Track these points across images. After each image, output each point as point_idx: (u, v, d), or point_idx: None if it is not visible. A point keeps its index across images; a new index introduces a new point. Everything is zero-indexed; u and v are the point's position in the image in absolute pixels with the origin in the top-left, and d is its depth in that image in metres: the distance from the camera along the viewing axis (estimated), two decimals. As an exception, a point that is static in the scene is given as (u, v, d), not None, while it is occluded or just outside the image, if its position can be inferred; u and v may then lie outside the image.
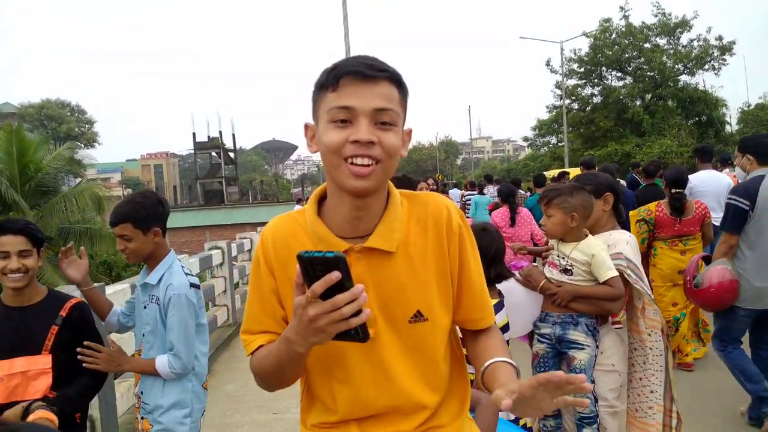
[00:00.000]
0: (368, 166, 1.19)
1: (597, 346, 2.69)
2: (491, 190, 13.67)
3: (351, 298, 1.04)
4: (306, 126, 1.33)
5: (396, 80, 1.24)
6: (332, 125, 1.21)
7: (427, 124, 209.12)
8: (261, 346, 1.32)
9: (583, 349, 2.64)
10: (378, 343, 1.28)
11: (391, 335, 1.29)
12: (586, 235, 2.71)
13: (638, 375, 2.82)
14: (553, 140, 34.08)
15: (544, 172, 15.82)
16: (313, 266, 1.04)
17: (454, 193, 15.75)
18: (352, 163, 1.19)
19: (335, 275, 1.02)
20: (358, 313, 1.05)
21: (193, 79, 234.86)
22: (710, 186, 6.23)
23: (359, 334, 1.09)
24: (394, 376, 1.31)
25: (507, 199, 6.67)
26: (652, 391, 2.77)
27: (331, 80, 1.21)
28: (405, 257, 1.30)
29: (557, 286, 2.71)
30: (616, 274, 2.61)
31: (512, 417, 2.43)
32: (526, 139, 37.71)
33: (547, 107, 33.12)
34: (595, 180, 2.90)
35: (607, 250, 2.68)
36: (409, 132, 1.33)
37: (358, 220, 1.29)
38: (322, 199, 1.36)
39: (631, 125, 28.27)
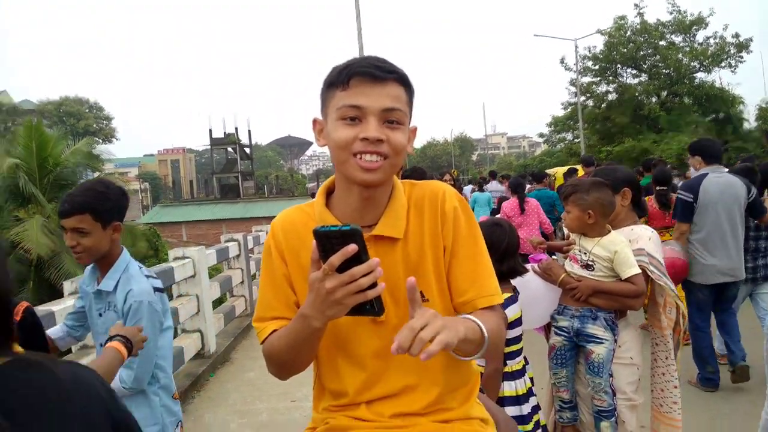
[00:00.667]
0: (377, 161, 1.27)
1: (615, 341, 2.66)
2: (495, 186, 13.49)
3: (368, 270, 1.08)
4: (314, 121, 1.40)
5: (403, 81, 1.31)
6: (342, 122, 1.28)
7: (441, 120, 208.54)
8: (274, 331, 1.36)
9: (602, 343, 2.60)
10: (388, 325, 1.34)
11: (400, 317, 1.34)
12: (609, 231, 2.67)
13: (661, 370, 2.82)
14: (569, 136, 33.87)
15: (557, 168, 15.74)
16: (329, 240, 1.07)
17: (468, 189, 15.72)
18: (361, 158, 1.26)
19: (352, 247, 1.06)
20: (373, 286, 1.09)
21: (210, 77, 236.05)
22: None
23: (374, 308, 1.12)
24: (404, 358, 1.32)
25: (516, 191, 7.33)
26: (675, 387, 2.78)
27: (342, 79, 1.28)
28: (408, 241, 1.37)
29: (577, 280, 2.67)
30: (639, 271, 2.59)
31: (526, 412, 2.46)
32: (541, 135, 37.52)
33: (562, 104, 32.95)
34: (613, 175, 2.86)
35: (630, 246, 2.65)
36: (414, 129, 1.40)
37: (365, 210, 1.36)
38: (330, 192, 1.43)
39: (647, 122, 28.02)
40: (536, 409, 2.54)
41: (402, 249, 1.36)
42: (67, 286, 4.35)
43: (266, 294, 1.41)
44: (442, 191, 1.41)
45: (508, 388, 2.46)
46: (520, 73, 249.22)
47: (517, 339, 2.51)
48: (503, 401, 2.41)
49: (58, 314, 3.53)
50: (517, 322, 2.49)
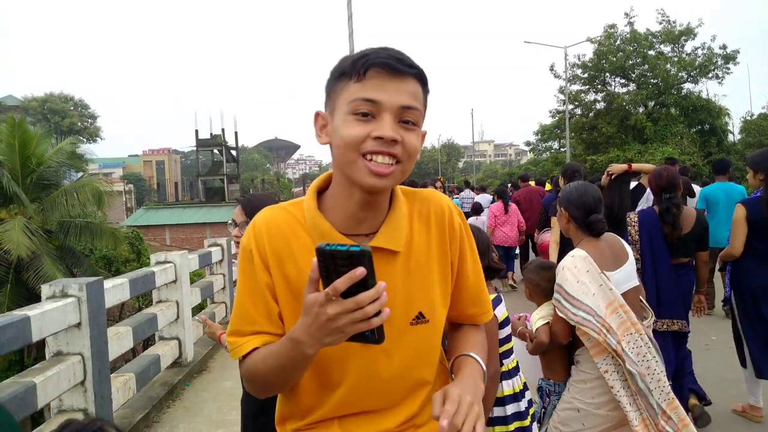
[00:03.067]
0: (389, 165, 1.13)
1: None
2: (467, 194, 14.67)
3: (375, 297, 0.97)
4: (317, 114, 1.24)
5: (422, 79, 1.19)
6: (353, 117, 1.13)
7: (429, 126, 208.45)
8: (255, 349, 1.22)
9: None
10: (381, 347, 1.21)
11: (390, 338, 1.22)
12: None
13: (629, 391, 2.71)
14: (556, 145, 34.06)
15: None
16: (334, 260, 0.96)
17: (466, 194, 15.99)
18: (371, 160, 1.12)
19: (360, 271, 0.95)
20: (378, 313, 0.99)
21: (197, 77, 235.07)
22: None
23: (375, 336, 1.02)
24: (388, 377, 1.26)
25: (501, 196, 9.91)
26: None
27: (357, 70, 1.13)
28: (408, 257, 1.25)
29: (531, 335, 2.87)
30: (540, 324, 2.82)
31: (523, 408, 2.46)
32: (528, 143, 37.69)
33: (550, 112, 33.08)
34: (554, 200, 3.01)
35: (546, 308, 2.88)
36: (425, 134, 1.27)
37: (364, 217, 1.23)
38: (320, 191, 1.29)
39: (633, 132, 28.24)
40: (530, 403, 2.57)
41: (402, 263, 1.25)
42: (45, 289, 4.21)
43: (245, 305, 1.24)
44: (447, 206, 1.33)
45: (507, 387, 2.47)
46: (510, 80, 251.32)
47: (508, 338, 2.50)
48: (504, 400, 2.43)
49: (34, 319, 3.42)
50: (506, 322, 2.49)
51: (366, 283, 0.96)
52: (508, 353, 2.52)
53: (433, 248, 1.29)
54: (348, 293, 0.96)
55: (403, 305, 1.24)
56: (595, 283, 2.66)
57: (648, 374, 2.66)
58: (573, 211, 2.85)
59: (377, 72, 1.13)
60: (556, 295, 2.71)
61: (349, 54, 1.20)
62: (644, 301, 2.98)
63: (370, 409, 1.28)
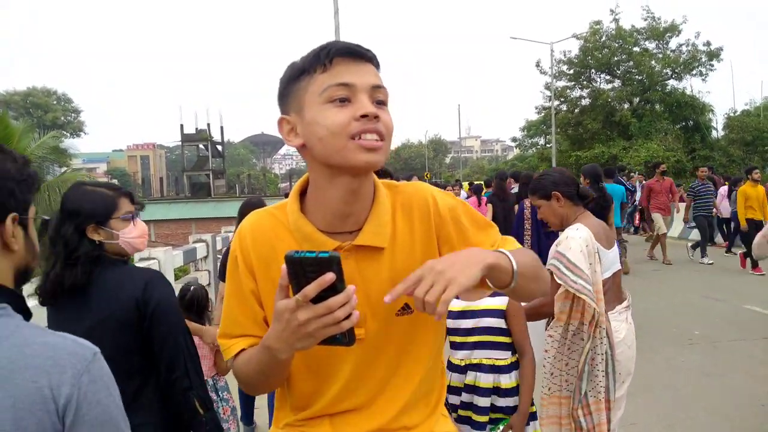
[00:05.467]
0: (377, 141, 1.14)
1: None
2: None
3: (344, 301, 0.99)
4: (281, 120, 1.23)
5: (378, 67, 1.22)
6: (331, 105, 1.14)
7: (416, 121, 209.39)
8: (242, 350, 1.26)
9: None
10: (365, 341, 1.24)
11: (378, 331, 1.26)
12: None
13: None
14: (542, 141, 34.25)
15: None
16: (303, 267, 0.97)
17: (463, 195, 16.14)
18: (361, 139, 1.13)
19: (329, 277, 0.96)
20: (348, 316, 1.00)
21: (182, 71, 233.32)
22: None
23: (346, 338, 1.04)
24: (377, 371, 1.28)
25: (476, 193, 10.79)
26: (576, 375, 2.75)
27: (322, 61, 1.15)
28: (393, 250, 1.25)
29: None
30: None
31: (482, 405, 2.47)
32: (514, 139, 37.95)
33: (536, 108, 33.27)
34: (540, 184, 3.01)
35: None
36: None
37: (348, 214, 1.23)
38: (303, 193, 1.30)
39: (618, 128, 28.45)
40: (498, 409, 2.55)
41: (388, 259, 1.25)
42: (26, 287, 4.16)
43: (232, 309, 1.29)
44: (431, 194, 1.32)
45: (506, 381, 2.48)
46: (496, 76, 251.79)
47: (472, 331, 2.52)
48: (510, 392, 2.46)
49: None
50: (494, 313, 2.50)
51: (335, 287, 0.98)
52: (510, 345, 2.54)
53: (417, 240, 1.28)
54: (318, 298, 0.98)
55: None
56: (590, 259, 2.70)
57: (593, 364, 2.70)
58: (564, 189, 2.93)
59: (342, 60, 1.15)
60: (553, 261, 2.70)
61: (305, 54, 1.20)
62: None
63: (360, 405, 1.29)
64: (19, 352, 0.99)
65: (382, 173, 4.15)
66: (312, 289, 0.97)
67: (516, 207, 7.10)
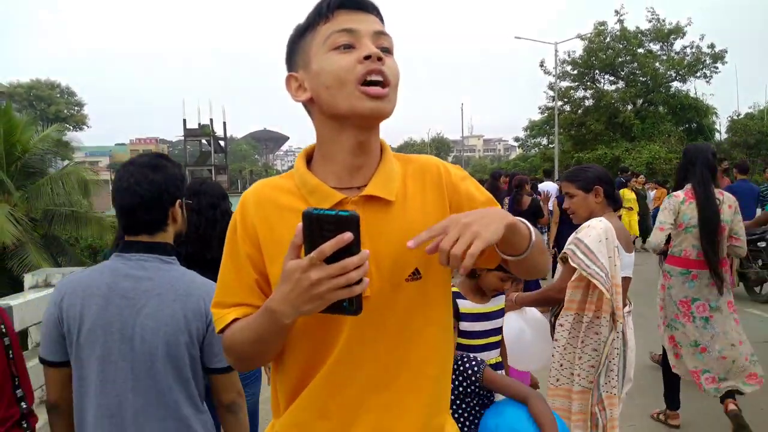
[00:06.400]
0: (383, 86, 1.13)
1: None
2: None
3: (359, 263, 0.95)
4: (288, 77, 1.23)
5: (382, 17, 1.22)
6: (335, 52, 1.14)
7: (419, 121, 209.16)
8: (235, 320, 1.19)
9: None
10: (373, 305, 1.15)
11: (383, 292, 1.17)
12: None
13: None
14: (544, 141, 34.20)
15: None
16: (320, 225, 0.94)
17: None
18: (366, 84, 1.12)
19: (348, 236, 0.92)
20: (359, 280, 0.96)
21: (185, 66, 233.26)
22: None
23: (353, 306, 0.99)
24: (378, 343, 1.18)
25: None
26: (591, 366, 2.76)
27: (324, 13, 1.16)
28: (404, 209, 1.21)
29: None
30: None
31: None
32: (517, 139, 37.91)
33: (540, 108, 33.21)
34: (583, 175, 2.99)
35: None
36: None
37: (356, 167, 1.21)
38: (310, 159, 1.28)
39: (621, 130, 28.40)
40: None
41: (398, 216, 1.20)
42: (28, 279, 4.13)
43: (227, 276, 1.23)
44: (442, 164, 1.30)
45: None
46: (500, 75, 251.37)
47: (498, 331, 2.53)
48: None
49: (16, 309, 3.39)
50: (501, 313, 2.54)
51: (350, 249, 0.94)
52: (495, 345, 2.56)
53: (429, 202, 1.24)
54: (330, 260, 0.94)
55: (399, 259, 1.19)
56: (607, 253, 2.70)
57: (610, 358, 2.71)
58: (605, 186, 2.96)
59: (344, 11, 1.16)
60: (570, 246, 2.71)
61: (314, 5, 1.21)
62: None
63: (364, 385, 1.18)
64: (191, 282, 1.71)
65: None
66: (330, 246, 0.93)
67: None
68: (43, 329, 1.74)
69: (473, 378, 2.13)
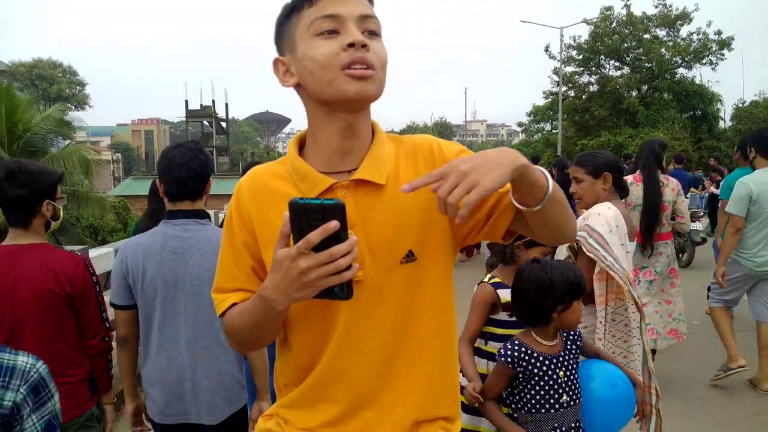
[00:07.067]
0: (368, 70, 1.11)
1: None
2: None
3: (347, 250, 0.97)
4: (275, 61, 1.22)
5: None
6: (319, 38, 1.12)
7: (422, 104, 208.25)
8: (234, 305, 1.23)
9: None
10: (363, 285, 1.16)
11: (377, 276, 1.18)
12: None
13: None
14: (548, 127, 34.02)
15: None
16: (306, 214, 0.96)
17: None
18: (350, 69, 1.10)
19: (334, 224, 0.95)
20: (349, 267, 0.98)
21: (188, 47, 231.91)
22: None
23: (344, 291, 1.02)
24: (377, 328, 1.19)
25: None
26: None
27: None
28: (396, 192, 1.18)
29: None
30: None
31: None
32: (520, 124, 37.57)
33: (544, 93, 32.95)
34: (593, 160, 2.98)
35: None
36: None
37: (346, 150, 1.20)
38: (302, 146, 1.28)
39: (625, 116, 28.24)
40: None
41: (389, 199, 1.19)
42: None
43: (226, 262, 1.27)
44: (435, 142, 1.29)
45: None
46: (505, 59, 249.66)
47: (514, 324, 2.40)
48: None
49: (94, 261, 3.60)
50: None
51: (338, 237, 0.96)
52: (506, 337, 2.43)
53: None
54: (319, 248, 0.96)
55: (392, 242, 1.19)
56: (619, 241, 2.69)
57: (631, 343, 2.71)
58: (615, 174, 2.97)
59: None
60: (582, 234, 2.65)
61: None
62: None
63: (367, 368, 1.19)
64: (219, 235, 1.66)
65: None
66: (317, 235, 0.95)
67: None
68: (112, 281, 2.28)
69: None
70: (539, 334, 2.13)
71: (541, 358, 2.06)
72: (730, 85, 71.45)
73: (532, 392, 2.05)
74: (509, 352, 2.07)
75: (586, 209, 2.89)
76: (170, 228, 2.26)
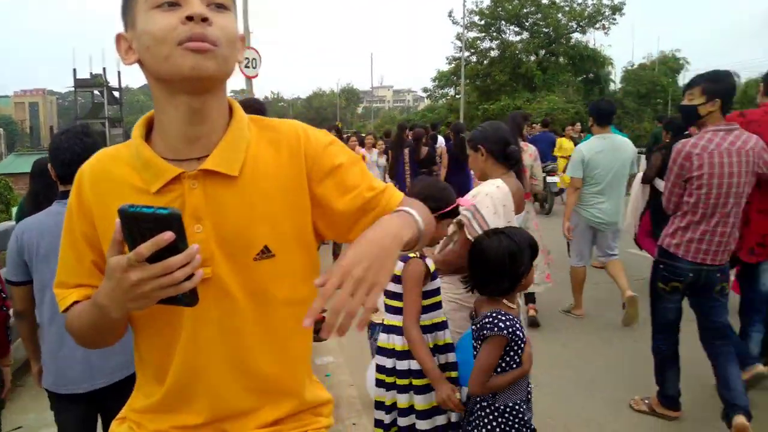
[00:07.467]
0: (206, 45, 0.99)
1: None
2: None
3: (185, 261, 0.89)
4: (118, 37, 1.09)
5: None
6: (157, 10, 1.00)
7: (328, 70, 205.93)
8: (76, 302, 1.14)
9: None
10: (216, 284, 1.08)
11: (229, 273, 1.09)
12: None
13: None
14: (452, 92, 34.55)
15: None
16: (138, 224, 0.86)
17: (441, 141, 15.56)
18: (187, 43, 0.98)
19: (167, 236, 0.86)
20: (189, 277, 0.90)
21: (75, 10, 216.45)
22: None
23: (187, 298, 0.93)
24: (233, 326, 1.11)
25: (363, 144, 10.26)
26: None
27: None
28: (252, 183, 1.10)
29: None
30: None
31: (451, 359, 2.40)
32: (425, 90, 37.98)
33: (447, 59, 33.42)
34: (472, 135, 3.04)
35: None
36: (243, 38, 1.12)
37: (194, 137, 1.08)
38: (150, 129, 1.14)
39: (524, 80, 29.12)
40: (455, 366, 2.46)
41: (242, 190, 1.09)
42: None
43: (67, 256, 1.17)
44: (302, 129, 1.18)
45: (444, 336, 2.42)
46: (410, 25, 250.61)
47: (437, 291, 2.43)
48: (448, 347, 2.40)
49: None
50: (435, 275, 2.42)
51: (176, 246, 0.87)
52: (438, 306, 2.43)
53: (283, 175, 1.13)
54: (155, 257, 0.88)
55: (245, 238, 1.10)
56: (505, 220, 2.67)
57: None
58: (491, 146, 2.93)
59: None
60: (467, 213, 2.62)
61: None
62: None
63: (222, 368, 1.12)
64: None
65: (254, 106, 3.68)
66: (146, 248, 0.86)
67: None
68: (8, 258, 2.32)
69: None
70: (511, 300, 2.22)
71: (518, 322, 2.17)
72: (622, 49, 75.23)
73: (519, 352, 2.15)
74: (506, 323, 2.10)
75: (481, 180, 2.91)
76: (63, 207, 2.25)
